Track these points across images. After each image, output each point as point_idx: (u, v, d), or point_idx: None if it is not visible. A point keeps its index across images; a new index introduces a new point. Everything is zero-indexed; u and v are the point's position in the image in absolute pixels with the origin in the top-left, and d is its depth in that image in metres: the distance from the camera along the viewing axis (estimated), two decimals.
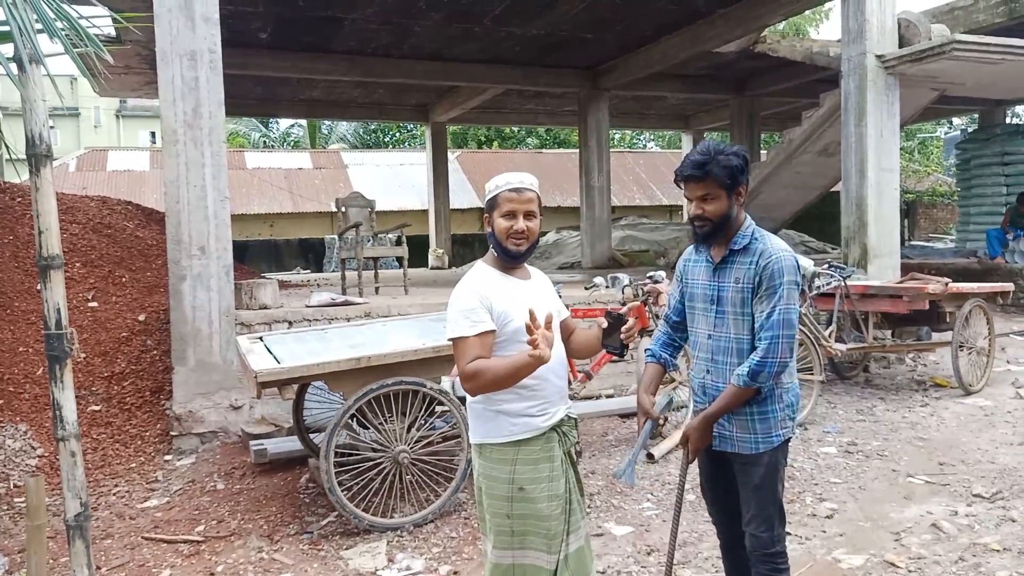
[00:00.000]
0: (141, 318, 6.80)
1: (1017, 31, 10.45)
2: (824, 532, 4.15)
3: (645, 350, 2.87)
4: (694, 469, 2.84)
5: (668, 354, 2.84)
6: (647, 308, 5.90)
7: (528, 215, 2.47)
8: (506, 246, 2.47)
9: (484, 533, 2.56)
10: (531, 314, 2.25)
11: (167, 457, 5.76)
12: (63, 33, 2.96)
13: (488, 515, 2.50)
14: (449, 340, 2.47)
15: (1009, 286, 7.58)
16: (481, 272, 2.52)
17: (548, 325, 2.28)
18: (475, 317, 2.39)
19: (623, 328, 2.52)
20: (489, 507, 2.49)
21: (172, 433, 5.88)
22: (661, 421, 5.72)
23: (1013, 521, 4.20)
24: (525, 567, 2.46)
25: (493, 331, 2.41)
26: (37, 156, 2.90)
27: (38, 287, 3.31)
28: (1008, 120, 16.63)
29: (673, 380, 5.72)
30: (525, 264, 2.63)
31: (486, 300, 2.42)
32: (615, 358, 2.60)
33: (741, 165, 2.56)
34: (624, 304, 5.96)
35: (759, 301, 2.53)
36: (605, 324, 2.53)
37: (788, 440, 2.66)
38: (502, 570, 2.48)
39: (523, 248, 2.48)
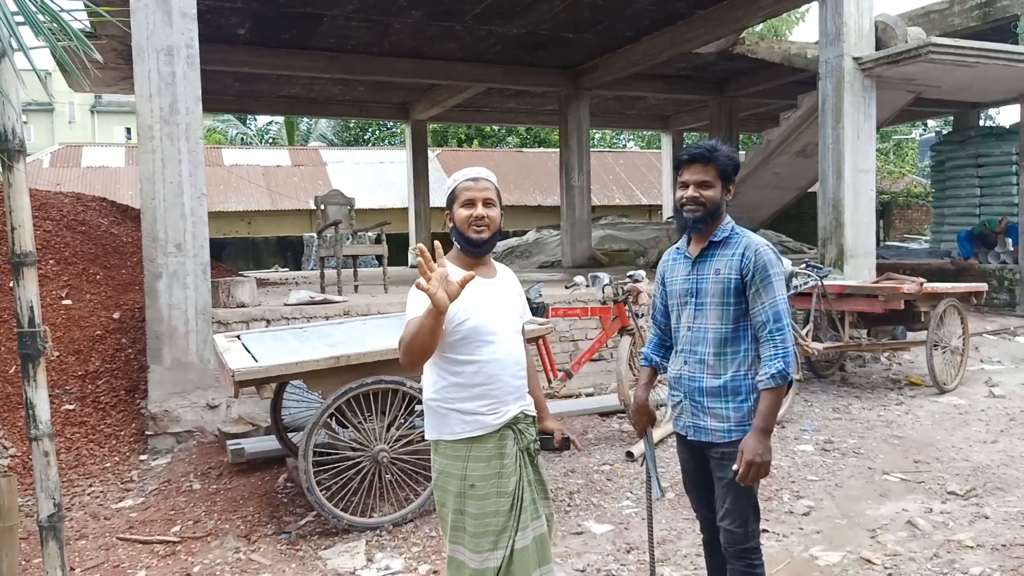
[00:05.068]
0: (116, 316, 6.71)
1: (991, 35, 10.63)
2: (801, 529, 4.19)
3: (640, 353, 2.94)
4: (673, 467, 2.85)
5: (660, 356, 2.94)
6: (627, 307, 5.93)
7: (487, 202, 2.47)
8: (468, 235, 2.45)
9: (444, 530, 2.55)
10: (420, 249, 2.17)
11: (142, 457, 5.69)
12: (45, 27, 2.89)
13: (441, 509, 2.51)
14: None
15: (983, 286, 7.69)
16: None
17: (439, 259, 2.24)
18: (415, 305, 2.35)
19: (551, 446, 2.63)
20: (441, 501, 2.49)
21: (147, 432, 5.82)
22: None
23: (986, 518, 4.26)
24: (468, 565, 2.43)
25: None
26: (10, 152, 2.84)
27: (10, 284, 3.25)
28: (982, 122, 16.87)
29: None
30: (492, 261, 2.59)
31: None
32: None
33: (737, 165, 2.72)
34: (605, 301, 5.98)
35: (756, 295, 2.58)
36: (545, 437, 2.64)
37: None
38: (456, 564, 2.46)
39: (484, 236, 2.46)
